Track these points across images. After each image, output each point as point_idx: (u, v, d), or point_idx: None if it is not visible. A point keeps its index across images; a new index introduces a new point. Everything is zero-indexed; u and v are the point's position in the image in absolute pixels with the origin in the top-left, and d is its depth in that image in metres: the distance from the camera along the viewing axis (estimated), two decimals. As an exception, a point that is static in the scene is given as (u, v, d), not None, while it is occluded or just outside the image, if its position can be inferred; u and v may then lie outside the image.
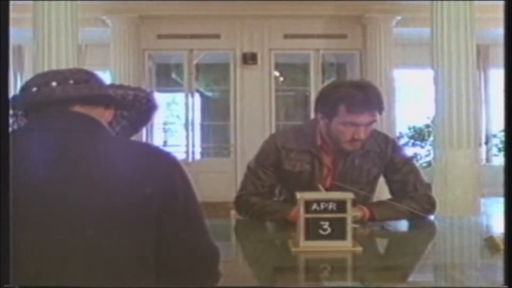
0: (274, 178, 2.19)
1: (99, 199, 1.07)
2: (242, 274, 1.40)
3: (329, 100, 2.06)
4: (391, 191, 2.24)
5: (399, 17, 8.70)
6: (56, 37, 5.73)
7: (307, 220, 1.61)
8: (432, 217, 2.22)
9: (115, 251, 1.08)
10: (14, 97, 1.19)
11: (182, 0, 8.19)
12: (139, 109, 1.25)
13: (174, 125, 10.62)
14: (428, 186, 2.33)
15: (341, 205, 1.62)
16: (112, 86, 1.21)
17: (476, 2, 5.89)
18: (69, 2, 5.81)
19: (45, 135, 1.12)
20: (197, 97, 9.64)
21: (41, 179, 1.08)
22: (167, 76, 10.01)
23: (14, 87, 10.72)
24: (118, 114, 1.25)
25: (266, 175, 2.18)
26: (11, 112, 1.19)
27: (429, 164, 6.88)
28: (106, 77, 9.99)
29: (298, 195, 1.66)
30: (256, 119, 8.90)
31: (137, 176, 1.09)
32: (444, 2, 5.88)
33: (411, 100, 9.93)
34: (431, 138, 8.85)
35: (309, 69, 9.26)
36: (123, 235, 1.08)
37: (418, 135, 9.40)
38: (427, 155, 8.81)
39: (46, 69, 5.74)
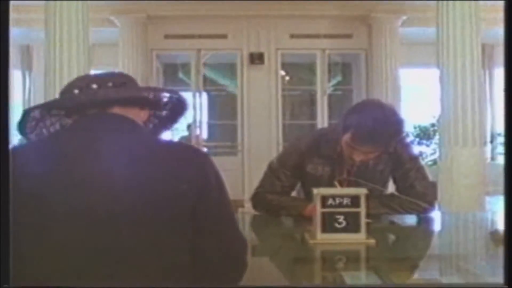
0: (294, 180, 2.29)
1: (138, 194, 1.15)
2: (262, 265, 1.48)
3: (346, 119, 2.15)
4: (396, 187, 2.34)
5: (404, 17, 8.76)
6: (68, 36, 5.82)
7: (323, 214, 1.71)
8: (439, 212, 2.31)
9: (153, 245, 1.15)
10: (57, 99, 1.28)
11: (189, 0, 8.29)
12: (171, 110, 1.34)
13: (181, 125, 10.69)
14: (431, 184, 2.39)
15: (355, 200, 1.72)
16: (147, 88, 1.30)
17: (481, 2, 5.95)
18: (80, 2, 5.90)
19: (87, 135, 1.20)
20: (204, 96, 9.73)
21: (84, 176, 1.16)
22: (174, 75, 10.09)
23: (23, 86, 10.83)
24: (151, 114, 1.34)
25: (286, 176, 2.27)
26: (54, 112, 1.28)
27: (434, 162, 6.95)
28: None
29: (315, 190, 1.75)
30: (263, 118, 8.99)
31: (173, 172, 1.17)
32: (450, 2, 5.93)
33: (416, 99, 9.98)
34: (437, 137, 8.91)
35: (314, 68, 9.34)
36: (160, 229, 1.15)
37: (423, 134, 9.46)
38: (432, 154, 8.88)
39: (57, 68, 5.84)
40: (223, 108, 10.19)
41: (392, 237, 2.08)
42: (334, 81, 9.80)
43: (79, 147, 1.18)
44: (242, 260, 1.25)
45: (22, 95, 10.94)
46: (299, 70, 10.00)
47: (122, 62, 8.86)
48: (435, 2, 6.12)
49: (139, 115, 1.27)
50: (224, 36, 9.02)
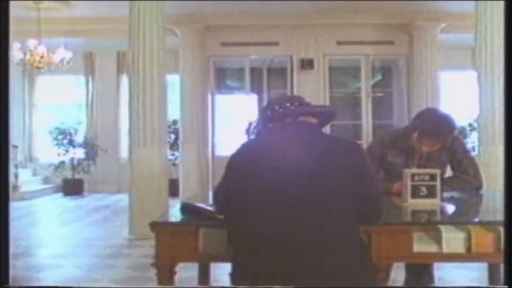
0: (379, 167, 3.09)
1: (330, 174, 1.82)
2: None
3: (414, 122, 3.01)
4: (453, 172, 3.17)
5: (443, 25, 9.34)
6: (150, 45, 6.56)
7: (412, 186, 2.52)
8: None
9: (347, 206, 1.82)
10: (267, 113, 2.03)
11: (244, 11, 9.01)
12: (326, 117, 2.12)
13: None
14: (479, 170, 3.20)
15: (433, 177, 2.53)
16: (318, 105, 2.08)
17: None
18: (160, 15, 6.64)
19: (289, 134, 1.94)
20: (255, 99, 10.45)
21: (287, 163, 1.83)
22: (225, 80, 10.82)
23: (86, 89, 11.78)
24: (316, 121, 2.10)
25: (373, 164, 3.02)
26: (262, 120, 2.08)
27: (472, 159, 7.54)
28: (175, 80, 10.83)
29: (406, 170, 2.59)
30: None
31: (347, 157, 1.87)
32: (488, 9, 6.39)
33: (454, 100, 10.50)
34: (473, 136, 9.44)
35: (355, 72, 10.05)
36: (347, 195, 1.83)
37: (461, 134, 9.99)
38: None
39: (141, 71, 6.54)
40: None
41: (455, 203, 2.89)
42: (373, 82, 10.37)
43: (284, 142, 1.91)
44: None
45: (86, 97, 11.94)
46: (340, 74, 10.64)
47: (183, 68, 9.64)
48: (472, 10, 6.65)
49: (313, 122, 2.04)
50: (276, 44, 9.75)
